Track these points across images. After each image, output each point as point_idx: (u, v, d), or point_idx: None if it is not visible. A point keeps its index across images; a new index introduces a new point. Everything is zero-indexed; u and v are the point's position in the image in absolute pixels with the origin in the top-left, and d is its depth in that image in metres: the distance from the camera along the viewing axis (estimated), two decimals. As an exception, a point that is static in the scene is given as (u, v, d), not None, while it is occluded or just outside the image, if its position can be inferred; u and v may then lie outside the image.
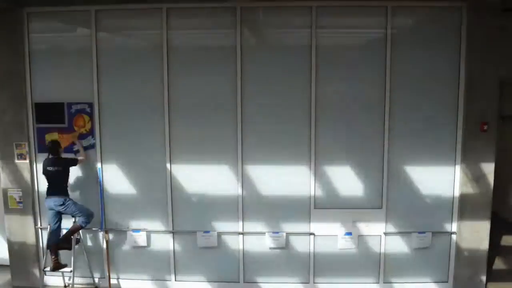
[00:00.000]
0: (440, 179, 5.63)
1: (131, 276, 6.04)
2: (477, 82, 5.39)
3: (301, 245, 5.81)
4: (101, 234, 5.95)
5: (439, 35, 5.48)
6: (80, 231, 5.71)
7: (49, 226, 5.59)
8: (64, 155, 5.67)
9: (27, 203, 5.90)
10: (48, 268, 5.64)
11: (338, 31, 5.65)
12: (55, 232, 5.58)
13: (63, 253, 5.70)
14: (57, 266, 5.56)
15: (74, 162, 5.63)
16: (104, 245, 5.92)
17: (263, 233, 5.79)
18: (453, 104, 5.53)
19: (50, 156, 5.56)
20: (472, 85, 5.41)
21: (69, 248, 5.57)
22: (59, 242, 5.56)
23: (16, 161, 5.84)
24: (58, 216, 5.57)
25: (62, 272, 5.76)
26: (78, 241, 5.69)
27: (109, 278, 5.95)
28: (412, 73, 5.51)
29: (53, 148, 5.56)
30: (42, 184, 5.76)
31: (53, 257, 5.53)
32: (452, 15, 5.44)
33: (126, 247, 5.97)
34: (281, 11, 5.51)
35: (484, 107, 5.43)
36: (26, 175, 5.86)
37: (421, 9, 5.47)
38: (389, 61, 5.45)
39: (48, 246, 5.59)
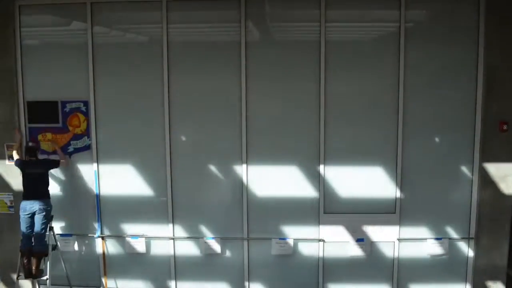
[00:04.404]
0: (457, 182, 5.47)
1: (129, 285, 5.85)
2: (496, 79, 5.22)
3: (309, 252, 5.65)
4: (97, 240, 5.75)
5: (455, 29, 5.31)
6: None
7: (23, 232, 5.29)
8: (42, 157, 5.51)
9: (18, 208, 5.58)
10: (22, 276, 5.34)
11: (348, 25, 5.51)
12: (28, 237, 5.30)
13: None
14: (37, 273, 5.26)
15: (55, 164, 5.43)
16: (101, 252, 5.75)
17: (269, 239, 5.60)
18: (471, 102, 5.35)
19: (28, 158, 5.36)
20: (491, 82, 5.23)
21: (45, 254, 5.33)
22: (44, 250, 5.29)
23: (7, 162, 5.65)
24: (32, 221, 5.29)
25: (38, 281, 5.48)
26: (54, 247, 5.44)
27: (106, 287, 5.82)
28: (427, 70, 5.35)
29: (33, 150, 5.38)
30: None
31: (29, 262, 5.23)
32: (469, 7, 5.25)
33: (123, 254, 5.78)
34: (288, 3, 5.36)
35: (503, 105, 5.24)
36: (18, 178, 5.61)
37: (436, 1, 5.28)
38: (402, 57, 5.28)
39: (24, 252, 5.27)
